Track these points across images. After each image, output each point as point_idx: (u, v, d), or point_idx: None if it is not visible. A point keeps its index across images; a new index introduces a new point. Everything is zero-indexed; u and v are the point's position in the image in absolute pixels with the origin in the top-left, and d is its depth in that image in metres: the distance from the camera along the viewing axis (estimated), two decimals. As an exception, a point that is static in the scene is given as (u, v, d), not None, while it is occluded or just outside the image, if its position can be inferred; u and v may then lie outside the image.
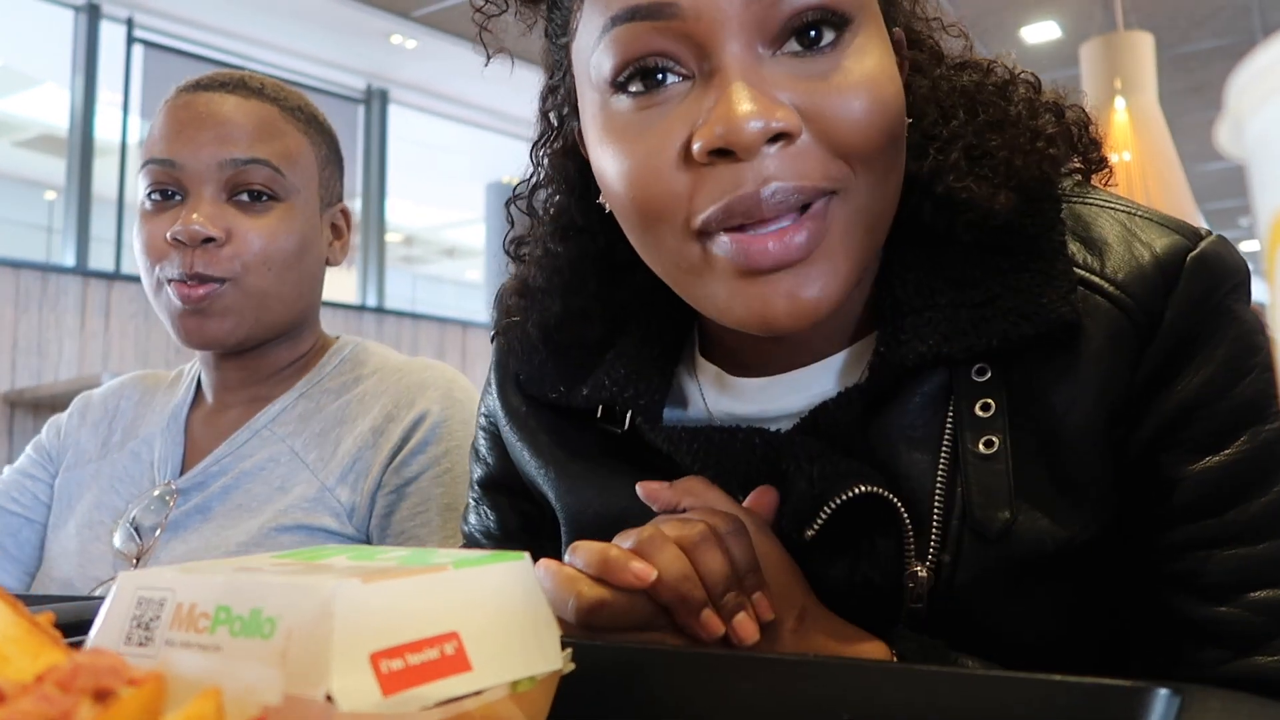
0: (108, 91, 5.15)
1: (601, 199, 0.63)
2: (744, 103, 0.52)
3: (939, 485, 0.58)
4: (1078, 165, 0.66)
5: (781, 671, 0.44)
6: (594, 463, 0.68)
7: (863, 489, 0.57)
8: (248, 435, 1.05)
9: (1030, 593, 0.58)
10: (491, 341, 0.78)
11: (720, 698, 0.44)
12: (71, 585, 1.02)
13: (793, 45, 0.55)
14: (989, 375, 0.58)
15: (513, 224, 0.75)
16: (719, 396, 0.67)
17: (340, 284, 6.07)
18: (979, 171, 0.60)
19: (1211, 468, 0.55)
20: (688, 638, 0.54)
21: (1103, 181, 0.67)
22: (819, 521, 0.57)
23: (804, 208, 0.54)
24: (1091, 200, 0.63)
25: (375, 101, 6.33)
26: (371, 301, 6.09)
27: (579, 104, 0.62)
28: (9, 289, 4.37)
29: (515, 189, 0.75)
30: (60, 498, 1.11)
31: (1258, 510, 0.55)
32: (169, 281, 1.00)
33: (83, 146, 4.97)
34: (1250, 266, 0.58)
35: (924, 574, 0.57)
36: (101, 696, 0.28)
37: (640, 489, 0.62)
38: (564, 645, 0.39)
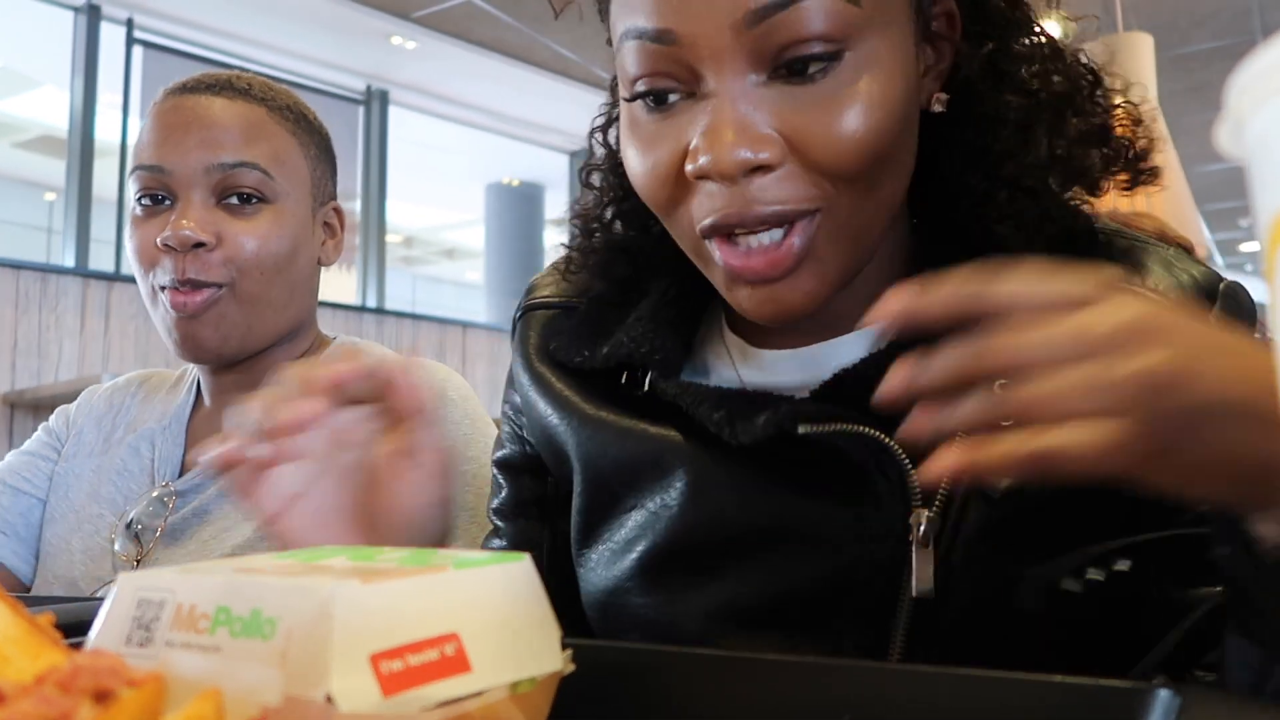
0: (107, 92, 5.14)
1: None
2: (728, 133, 0.55)
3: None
4: (1124, 179, 0.68)
5: (781, 671, 0.44)
6: (615, 415, 0.71)
7: (863, 430, 0.59)
8: None
9: (1038, 549, 0.59)
10: (517, 318, 0.80)
11: (720, 698, 0.44)
12: (76, 585, 1.02)
13: (783, 73, 0.57)
14: None
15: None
16: (743, 368, 0.70)
17: (340, 285, 6.07)
18: (1019, 214, 0.63)
19: None
20: None
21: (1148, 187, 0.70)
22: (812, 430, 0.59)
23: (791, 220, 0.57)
24: (1127, 236, 0.67)
25: (375, 102, 6.32)
26: (371, 302, 6.09)
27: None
28: (9, 290, 4.36)
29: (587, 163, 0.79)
30: (57, 489, 1.11)
31: None
32: (162, 289, 0.99)
33: (83, 147, 4.96)
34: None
35: (931, 515, 0.59)
36: (101, 697, 0.28)
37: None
38: (564, 645, 0.39)
